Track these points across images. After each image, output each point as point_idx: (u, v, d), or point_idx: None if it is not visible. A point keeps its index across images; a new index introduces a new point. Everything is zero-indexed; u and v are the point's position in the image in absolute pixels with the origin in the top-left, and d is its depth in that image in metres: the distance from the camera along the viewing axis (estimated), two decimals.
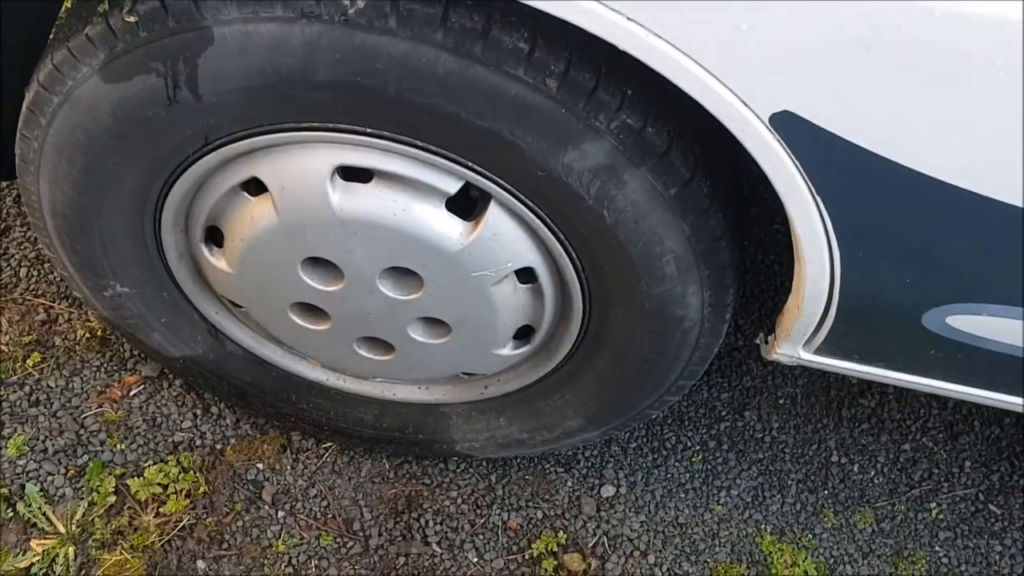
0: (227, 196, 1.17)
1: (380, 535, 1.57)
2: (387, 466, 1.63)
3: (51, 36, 1.13)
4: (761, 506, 1.67)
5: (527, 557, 1.58)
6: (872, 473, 1.72)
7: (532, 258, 1.17)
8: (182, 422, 1.61)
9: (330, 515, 1.58)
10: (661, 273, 1.11)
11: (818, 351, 1.19)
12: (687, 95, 0.89)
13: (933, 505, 1.70)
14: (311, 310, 1.29)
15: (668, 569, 1.60)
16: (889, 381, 1.25)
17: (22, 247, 1.80)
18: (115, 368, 1.67)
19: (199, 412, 1.63)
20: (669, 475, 1.68)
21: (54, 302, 1.74)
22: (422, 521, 1.59)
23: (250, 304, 1.33)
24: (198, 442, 1.60)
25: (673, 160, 1.02)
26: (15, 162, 1.22)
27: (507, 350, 1.31)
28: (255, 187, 1.16)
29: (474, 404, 1.46)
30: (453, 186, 1.10)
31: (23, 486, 1.50)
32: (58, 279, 1.76)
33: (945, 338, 1.11)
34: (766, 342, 1.26)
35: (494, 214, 1.12)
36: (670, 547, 1.62)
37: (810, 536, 1.66)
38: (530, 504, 1.63)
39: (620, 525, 1.62)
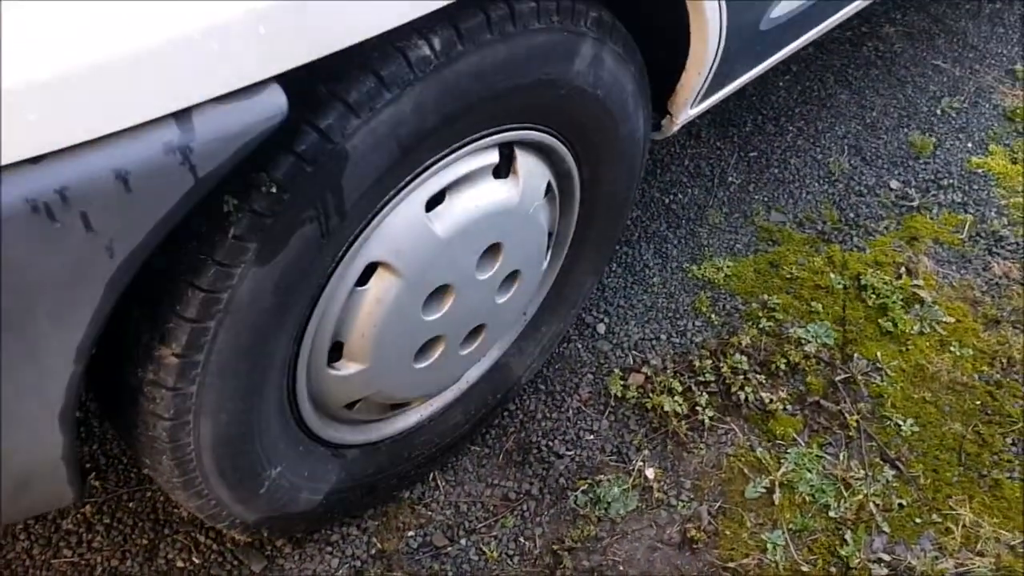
0: (347, 303, 1.27)
1: None
2: None
3: (158, 291, 1.07)
4: None
5: None
6: None
7: (547, 171, 1.46)
8: None
9: None
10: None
11: None
12: None
13: None
14: (425, 348, 1.44)
15: None
16: None
17: None
18: None
19: None
20: None
21: None
22: None
23: (380, 386, 1.42)
24: None
25: None
26: None
27: (546, 263, 1.59)
28: (362, 280, 1.27)
29: (522, 334, 1.71)
30: (495, 156, 1.33)
31: None
32: None
33: None
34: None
35: (520, 158, 1.38)
36: None
37: None
38: None
39: None
